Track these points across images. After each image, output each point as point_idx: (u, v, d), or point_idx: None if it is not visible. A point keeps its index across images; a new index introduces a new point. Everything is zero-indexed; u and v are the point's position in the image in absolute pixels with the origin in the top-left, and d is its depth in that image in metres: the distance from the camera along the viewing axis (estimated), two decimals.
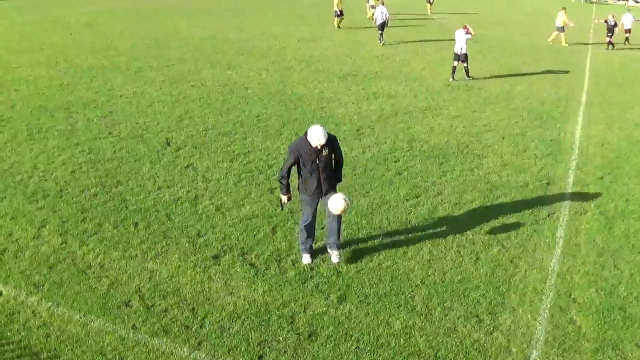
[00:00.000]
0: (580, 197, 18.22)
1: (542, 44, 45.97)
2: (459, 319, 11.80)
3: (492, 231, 15.53)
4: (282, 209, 14.74)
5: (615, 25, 47.79)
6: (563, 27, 50.34)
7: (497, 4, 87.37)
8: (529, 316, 12.02)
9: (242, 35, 45.04)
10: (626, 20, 52.10)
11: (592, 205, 17.60)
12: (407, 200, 17.06)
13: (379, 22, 46.02)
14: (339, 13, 53.35)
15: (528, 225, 16.02)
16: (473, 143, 22.51)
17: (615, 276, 13.81)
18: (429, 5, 68.28)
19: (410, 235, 15.06)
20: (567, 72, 37.74)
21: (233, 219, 15.37)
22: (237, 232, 14.68)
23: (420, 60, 38.21)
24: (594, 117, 27.24)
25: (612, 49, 47.64)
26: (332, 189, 13.28)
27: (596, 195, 18.41)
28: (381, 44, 44.57)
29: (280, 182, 13.19)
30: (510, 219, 16.35)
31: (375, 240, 14.51)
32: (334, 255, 13.65)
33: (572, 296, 12.83)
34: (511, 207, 17.15)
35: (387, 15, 46.27)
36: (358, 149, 21.01)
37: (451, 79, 33.64)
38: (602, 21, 49.55)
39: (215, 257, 13.48)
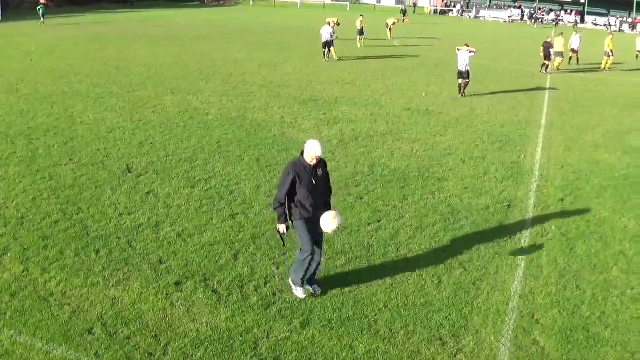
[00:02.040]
0: (542, 218, 18.37)
1: (501, 68, 46.28)
2: (423, 342, 11.82)
3: (454, 254, 15.60)
4: (284, 244, 13.95)
5: (550, 46, 48.10)
6: (562, 52, 51.92)
7: (458, 30, 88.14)
8: (493, 338, 12.08)
9: (203, 61, 45.06)
10: (574, 41, 52.89)
11: (553, 227, 17.75)
12: (368, 224, 17.10)
13: (323, 40, 49.34)
14: (360, 31, 56.98)
15: (490, 247, 16.12)
16: (434, 167, 22.63)
17: (577, 297, 13.92)
18: (388, 31, 68.70)
19: (372, 259, 15.10)
20: (527, 95, 38.09)
21: (195, 245, 15.33)
22: (199, 258, 14.64)
23: (380, 85, 38.40)
24: (554, 140, 27.51)
25: (545, 72, 47.94)
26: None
27: (557, 217, 18.57)
28: (325, 60, 48.64)
29: (277, 211, 12.92)
30: (472, 241, 16.43)
31: (338, 265, 14.52)
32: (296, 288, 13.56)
33: (535, 317, 12.92)
34: (473, 230, 17.25)
35: (332, 34, 50.00)
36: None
37: (460, 95, 36.38)
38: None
39: (178, 283, 13.41)
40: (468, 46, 36.37)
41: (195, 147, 23.44)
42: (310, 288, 13.45)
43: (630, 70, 54.77)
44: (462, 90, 36.51)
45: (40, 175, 19.90)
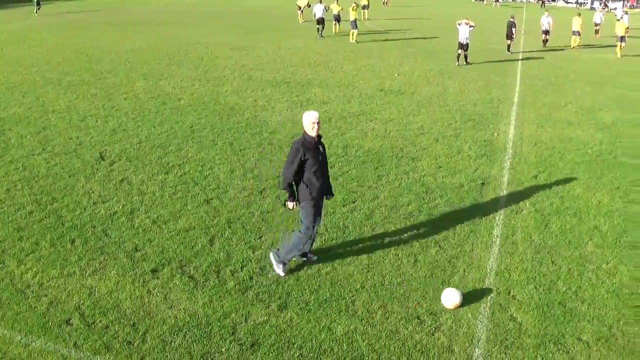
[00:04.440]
0: (516, 195, 18.48)
1: (473, 47, 46.31)
2: (400, 321, 11.87)
3: (429, 233, 15.65)
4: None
5: (514, 26, 48.06)
6: (578, 31, 53.67)
7: (430, 11, 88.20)
8: (470, 315, 12.14)
9: (175, 46, 44.85)
10: (544, 22, 52.79)
11: (527, 204, 17.85)
12: (343, 205, 17.12)
13: (318, 16, 51.41)
14: (337, 17, 55.72)
15: (465, 225, 16.19)
16: (407, 146, 22.68)
17: (553, 272, 14.02)
18: (365, 10, 68.46)
19: (348, 240, 15.13)
20: (499, 73, 38.24)
21: (170, 231, 15.29)
22: (174, 244, 14.61)
23: (352, 66, 38.41)
24: (526, 117, 27.62)
25: (509, 52, 48.10)
26: (330, 192, 13.72)
27: (531, 194, 18.67)
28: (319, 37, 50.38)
29: (287, 189, 13.02)
30: (447, 220, 16.50)
31: (313, 248, 14.53)
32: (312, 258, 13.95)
33: (512, 294, 12.99)
34: (447, 208, 17.32)
35: (324, 12, 51.67)
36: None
37: (457, 63, 41.03)
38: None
39: (154, 270, 13.38)
40: (468, 21, 40.31)
41: (168, 133, 23.35)
42: (306, 257, 13.85)
43: (601, 47, 55.08)
44: (464, 60, 40.90)
45: (14, 166, 19.76)
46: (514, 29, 47.81)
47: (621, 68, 43.21)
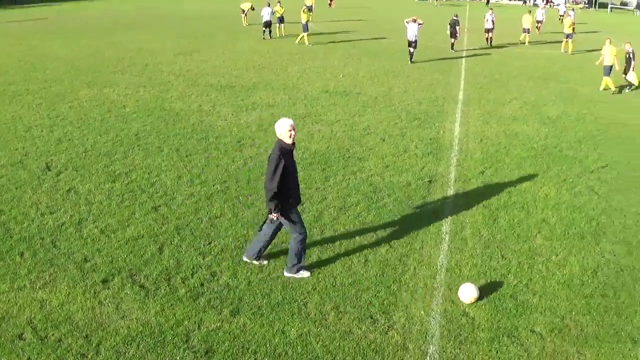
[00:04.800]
0: (463, 192, 18.68)
1: (418, 46, 46.58)
2: (354, 321, 11.90)
3: (379, 232, 15.72)
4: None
5: (457, 24, 48.42)
6: (529, 28, 55.81)
7: (374, 12, 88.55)
8: (422, 312, 12.22)
9: (119, 52, 44.40)
10: (488, 20, 53.10)
11: (475, 200, 18.06)
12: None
13: (265, 19, 52.15)
14: (280, 19, 55.76)
15: (414, 223, 16.29)
16: (354, 147, 22.75)
17: (503, 266, 14.18)
18: (309, 14, 68.17)
19: None
20: (443, 72, 38.56)
21: (119, 240, 15.16)
22: (124, 253, 14.48)
23: (297, 68, 38.41)
24: (471, 114, 27.90)
25: (453, 50, 48.63)
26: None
27: (479, 189, 18.90)
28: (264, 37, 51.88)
29: (273, 201, 12.80)
30: (396, 218, 16.59)
31: (265, 252, 14.52)
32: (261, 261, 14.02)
33: None
34: (396, 207, 17.40)
35: (271, 14, 52.04)
36: (240, 160, 20.99)
37: (409, 62, 42.18)
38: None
39: (105, 281, 13.25)
40: (416, 19, 41.75)
41: (114, 141, 23.16)
42: (259, 260, 13.98)
43: (544, 43, 55.76)
44: (412, 58, 42.02)
45: None
46: (457, 28, 48.19)
47: (564, 63, 43.80)
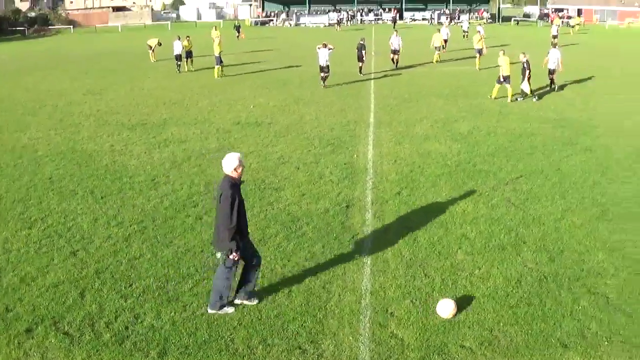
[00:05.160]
0: (382, 214, 18.72)
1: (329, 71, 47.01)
2: (282, 353, 11.80)
3: (300, 261, 15.66)
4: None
5: (364, 48, 48.91)
6: (439, 46, 57.68)
7: (283, 41, 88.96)
8: (351, 338, 12.18)
9: (28, 94, 43.69)
10: (393, 42, 53.49)
11: (393, 221, 18.12)
12: (211, 243, 16.98)
13: (176, 52, 53.06)
14: (189, 54, 55.06)
15: (334, 249, 16.28)
16: (269, 177, 22.69)
17: (427, 284, 14.25)
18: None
19: None
20: (354, 96, 38.82)
21: (39, 288, 14.84)
22: (45, 301, 14.16)
23: (207, 102, 38.24)
24: (383, 136, 28.06)
25: (362, 74, 49.05)
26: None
27: (396, 210, 18.97)
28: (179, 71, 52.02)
29: (235, 239, 12.55)
30: (316, 246, 16.55)
31: (186, 289, 14.39)
32: (252, 299, 13.68)
33: (389, 311, 13.11)
34: (315, 234, 17.37)
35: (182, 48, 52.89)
36: (155, 198, 20.76)
37: (322, 85, 42.99)
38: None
39: (28, 330, 12.92)
40: (327, 44, 42.66)
41: (28, 186, 22.72)
42: (249, 301, 13.64)
43: (451, 60, 56.61)
44: (325, 82, 42.40)
45: None
46: (363, 51, 48.54)
47: (472, 79, 44.44)
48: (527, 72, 36.79)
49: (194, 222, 18.61)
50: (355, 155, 25.11)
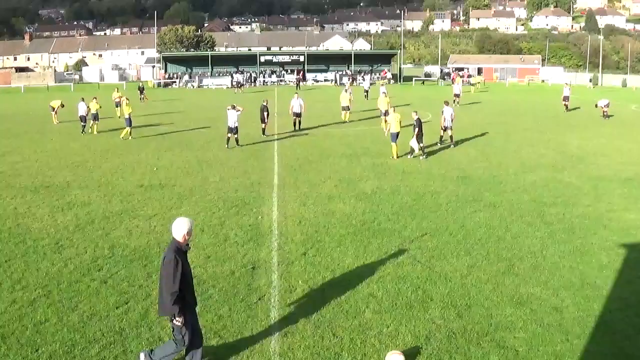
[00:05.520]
0: (287, 275, 18.63)
1: (226, 136, 47.14)
2: None
3: (207, 324, 15.44)
4: (184, 342, 12.85)
5: (266, 110, 49.31)
6: (347, 106, 58.39)
7: (187, 103, 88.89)
8: None
9: None
10: (294, 105, 53.61)
11: (300, 281, 18.05)
12: (117, 307, 16.66)
13: (80, 114, 53.73)
14: (96, 116, 54.26)
15: (242, 311, 16.11)
16: None
17: (336, 344, 14.18)
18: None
19: (125, 344, 14.70)
20: (257, 158, 38.88)
21: None
22: None
23: (111, 164, 37.79)
24: (288, 197, 28.06)
25: (265, 135, 49.34)
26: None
27: (302, 271, 18.91)
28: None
29: (177, 304, 12.17)
30: (223, 308, 16.36)
31: (93, 355, 14.05)
32: None
33: None
34: (222, 296, 17.17)
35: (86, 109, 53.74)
36: (59, 262, 20.26)
37: (226, 146, 43.37)
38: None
39: None
40: (235, 105, 43.91)
41: None
42: None
43: (352, 121, 57.11)
44: (228, 143, 42.96)
45: None
46: (266, 113, 48.78)
47: (374, 139, 44.84)
48: (416, 129, 38.04)
49: (99, 285, 18.24)
50: (260, 217, 25.02)
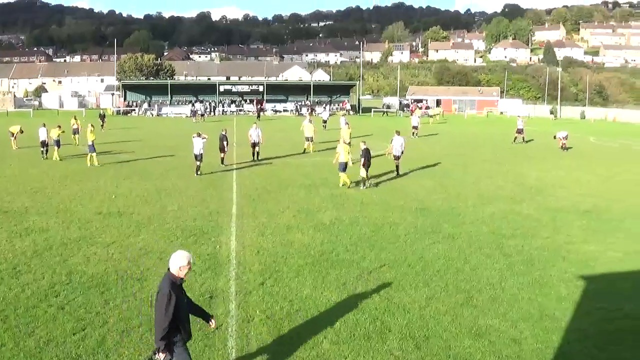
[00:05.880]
0: (245, 305, 18.56)
1: (184, 164, 46.99)
2: None
3: None
4: None
5: (225, 139, 49.34)
6: (311, 137, 58.56)
7: (147, 132, 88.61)
8: None
9: None
10: (252, 134, 53.46)
11: (257, 311, 17.99)
12: (74, 334, 16.52)
13: (41, 139, 53.78)
14: (58, 142, 54.08)
15: (198, 341, 16.00)
16: (131, 268, 22.26)
17: None
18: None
19: None
20: (216, 187, 38.79)
21: None
22: None
23: (69, 191, 37.51)
24: (246, 227, 27.98)
25: (224, 165, 49.32)
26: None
27: (260, 301, 18.85)
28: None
29: (164, 340, 11.91)
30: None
31: None
32: None
33: None
34: None
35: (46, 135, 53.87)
36: (17, 287, 20.09)
37: (195, 175, 43.70)
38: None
39: None
40: (201, 133, 45.03)
41: None
42: None
43: (312, 151, 57.18)
44: (198, 171, 44.15)
45: None
46: (225, 142, 48.71)
47: (332, 170, 44.80)
48: (363, 159, 39.16)
49: (56, 311, 18.09)
50: (218, 246, 24.93)
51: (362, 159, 39.12)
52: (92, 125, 54.68)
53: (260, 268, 22.15)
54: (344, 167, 39.13)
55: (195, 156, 44.11)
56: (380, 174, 43.31)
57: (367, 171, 39.23)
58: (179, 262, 12.26)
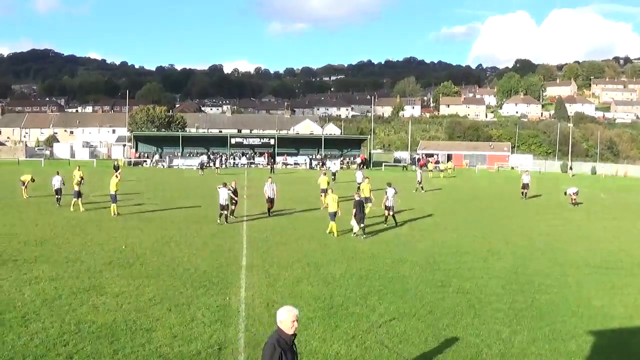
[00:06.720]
0: (255, 357, 18.55)
1: (199, 214, 47.00)
2: None
3: None
4: None
5: (235, 192, 49.45)
6: (326, 189, 56.08)
7: (154, 184, 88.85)
8: None
9: None
10: (267, 190, 53.36)
11: None
12: None
13: (56, 187, 54.07)
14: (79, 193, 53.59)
15: None
16: (140, 318, 22.26)
17: None
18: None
19: None
20: (225, 239, 38.79)
21: None
22: None
23: (79, 240, 37.57)
24: (256, 279, 27.98)
25: (234, 217, 49.14)
26: None
27: None
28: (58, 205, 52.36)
29: None
30: None
31: None
32: None
33: None
34: None
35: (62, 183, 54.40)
36: (26, 336, 20.13)
37: (218, 221, 45.16)
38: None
39: None
40: (226, 184, 46.25)
41: None
42: None
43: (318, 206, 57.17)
44: (220, 219, 45.47)
45: None
46: (235, 195, 48.87)
47: (343, 222, 44.85)
48: (354, 210, 40.12)
49: None
50: (227, 298, 24.91)
51: (354, 210, 40.15)
52: (117, 175, 54.74)
53: (269, 320, 22.04)
54: (333, 216, 40.76)
55: (221, 206, 45.47)
56: (391, 227, 43.34)
57: (360, 223, 40.11)
58: (285, 317, 12.22)
